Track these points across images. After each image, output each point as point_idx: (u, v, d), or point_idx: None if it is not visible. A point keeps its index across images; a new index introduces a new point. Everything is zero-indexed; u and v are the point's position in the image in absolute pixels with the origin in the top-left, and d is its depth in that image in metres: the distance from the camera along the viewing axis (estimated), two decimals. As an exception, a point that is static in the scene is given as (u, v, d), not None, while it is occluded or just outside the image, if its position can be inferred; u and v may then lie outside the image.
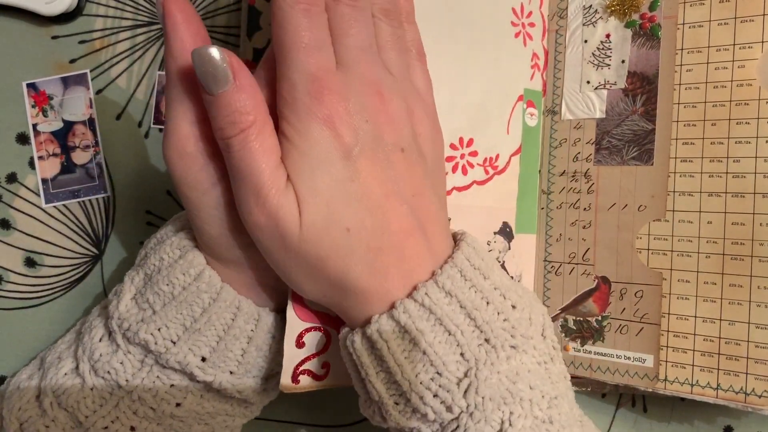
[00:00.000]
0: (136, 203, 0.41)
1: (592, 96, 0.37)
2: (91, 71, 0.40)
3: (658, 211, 0.35)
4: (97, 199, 0.41)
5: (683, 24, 0.35)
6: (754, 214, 0.33)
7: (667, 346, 0.35)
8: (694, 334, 0.34)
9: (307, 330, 0.30)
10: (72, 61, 0.40)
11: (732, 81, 0.34)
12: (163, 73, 0.40)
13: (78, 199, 0.41)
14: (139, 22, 0.40)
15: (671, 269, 0.35)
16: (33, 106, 0.41)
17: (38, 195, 0.41)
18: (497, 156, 0.36)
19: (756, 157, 0.33)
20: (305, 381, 0.30)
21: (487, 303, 0.27)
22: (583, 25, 0.38)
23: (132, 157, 0.41)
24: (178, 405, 0.31)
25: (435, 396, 0.25)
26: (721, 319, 0.34)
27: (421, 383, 0.25)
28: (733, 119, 0.34)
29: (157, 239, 0.32)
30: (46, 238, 0.41)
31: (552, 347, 0.29)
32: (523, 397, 0.26)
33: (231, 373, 0.31)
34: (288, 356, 0.30)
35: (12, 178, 0.41)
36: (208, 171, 0.27)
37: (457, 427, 0.25)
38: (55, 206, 0.41)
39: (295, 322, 0.30)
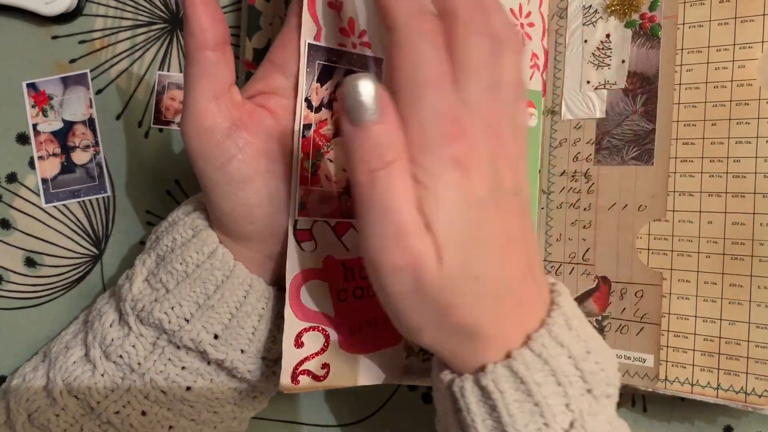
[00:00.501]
0: (136, 203, 0.41)
1: (592, 96, 0.37)
2: (91, 71, 0.40)
3: (659, 211, 0.35)
4: (97, 199, 0.41)
5: (683, 24, 0.35)
6: (754, 214, 0.33)
7: (667, 346, 0.35)
8: (695, 334, 0.34)
9: (306, 330, 0.30)
10: (72, 61, 0.40)
11: (732, 81, 0.34)
12: (164, 72, 0.40)
13: (78, 199, 0.41)
14: (139, 22, 0.40)
15: (671, 269, 0.35)
16: (33, 106, 0.41)
17: (38, 195, 0.41)
18: None
19: (756, 157, 0.33)
20: (305, 381, 0.30)
21: (588, 352, 0.27)
22: (583, 25, 0.38)
23: (132, 157, 0.41)
24: (188, 389, 0.31)
25: None
26: (721, 319, 0.34)
27: None
28: (733, 119, 0.34)
29: (168, 222, 0.32)
30: (46, 238, 0.41)
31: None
32: None
33: (242, 351, 0.31)
34: (287, 356, 0.30)
35: (12, 178, 0.41)
36: (224, 147, 0.28)
37: None
38: (55, 206, 0.41)
39: (294, 322, 0.30)
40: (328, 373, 0.31)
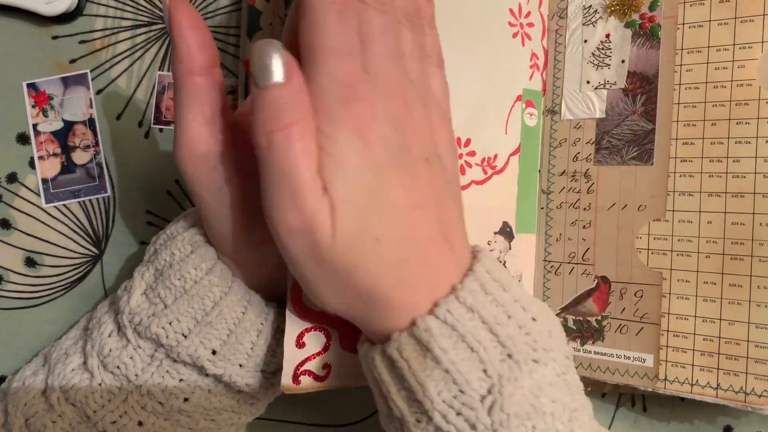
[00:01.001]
0: (136, 203, 0.41)
1: (591, 96, 0.37)
2: (91, 71, 0.40)
3: (658, 211, 0.35)
4: (97, 199, 0.41)
5: (683, 24, 0.35)
6: (753, 214, 0.33)
7: (666, 346, 0.35)
8: (694, 334, 0.34)
9: (307, 330, 0.30)
10: (72, 61, 0.40)
11: (732, 81, 0.34)
12: (164, 72, 0.40)
13: (78, 199, 0.41)
14: (139, 22, 0.40)
15: (671, 269, 0.35)
16: (33, 106, 0.41)
17: (38, 195, 0.41)
18: (495, 156, 0.36)
19: (756, 157, 0.33)
20: (306, 382, 0.30)
21: (509, 317, 0.26)
22: (583, 25, 0.38)
23: (132, 157, 0.41)
24: (186, 400, 0.31)
25: (458, 414, 0.25)
26: (720, 319, 0.34)
27: (443, 401, 0.25)
28: (733, 119, 0.34)
29: (167, 235, 0.32)
30: (47, 238, 0.41)
31: (565, 357, 0.28)
32: (546, 411, 0.25)
33: (240, 366, 0.31)
34: (288, 357, 0.30)
35: (12, 178, 0.41)
36: (219, 171, 0.28)
37: None
38: (55, 206, 0.41)
39: (295, 322, 0.30)
40: (329, 373, 0.31)
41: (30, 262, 0.41)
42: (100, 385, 0.31)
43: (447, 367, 0.25)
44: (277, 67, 0.24)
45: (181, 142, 0.28)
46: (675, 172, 0.35)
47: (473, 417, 0.25)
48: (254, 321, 0.31)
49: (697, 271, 0.34)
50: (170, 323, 0.30)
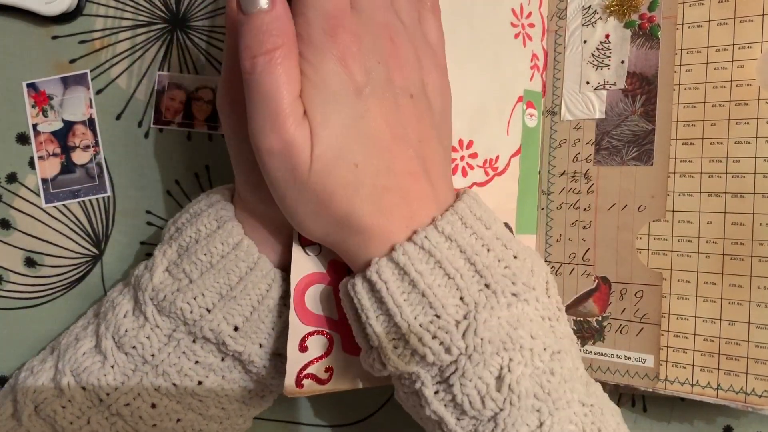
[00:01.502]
0: (136, 203, 0.41)
1: (591, 96, 0.37)
2: (91, 71, 0.40)
3: (658, 212, 0.35)
4: (97, 199, 0.41)
5: (682, 24, 0.35)
6: (753, 214, 0.33)
7: (667, 346, 0.35)
8: (694, 334, 0.34)
9: (310, 334, 0.31)
10: (72, 61, 0.40)
11: (731, 81, 0.34)
12: (164, 72, 0.40)
13: (78, 199, 0.41)
14: (139, 22, 0.40)
15: (671, 269, 0.35)
16: (33, 106, 0.41)
17: (38, 195, 0.41)
18: (497, 157, 0.36)
19: (755, 157, 0.33)
20: (309, 385, 0.30)
21: (488, 250, 0.27)
22: (583, 25, 0.38)
23: (132, 157, 0.41)
24: (200, 383, 0.31)
25: (434, 337, 0.26)
26: (721, 319, 0.34)
27: (420, 325, 0.26)
28: (732, 119, 0.34)
29: (191, 213, 0.32)
30: (46, 238, 0.41)
31: (557, 307, 0.29)
32: (524, 345, 0.26)
33: (260, 345, 0.31)
34: (291, 360, 0.30)
35: (12, 178, 0.41)
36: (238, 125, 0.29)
37: (456, 370, 0.26)
38: (55, 206, 0.41)
39: (298, 326, 0.30)
40: (331, 376, 0.31)
41: (30, 262, 0.41)
42: (113, 367, 0.31)
43: (423, 290, 0.26)
44: None
45: (223, 89, 0.29)
46: (675, 173, 0.35)
47: (447, 340, 0.25)
48: (277, 301, 0.31)
49: (697, 272, 0.34)
50: (195, 298, 0.30)
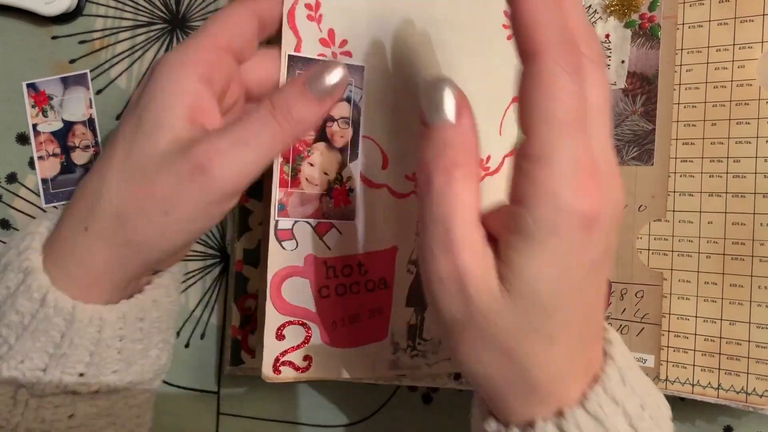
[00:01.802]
0: (136, 203, 0.41)
1: (592, 96, 0.37)
2: (91, 71, 0.40)
3: (659, 212, 0.35)
4: (97, 199, 0.41)
5: (683, 24, 0.35)
6: (754, 214, 0.33)
7: (668, 347, 0.35)
8: (695, 334, 0.34)
9: (288, 323, 0.31)
10: (72, 62, 0.40)
11: (732, 81, 0.34)
12: (163, 73, 0.40)
13: (78, 200, 0.41)
14: (139, 23, 0.40)
15: (672, 269, 0.35)
16: (33, 106, 0.41)
17: (38, 195, 0.41)
18: (488, 157, 0.36)
19: (756, 157, 0.33)
20: (287, 372, 0.31)
21: (642, 408, 0.25)
22: (583, 25, 0.38)
23: (132, 158, 0.41)
24: (71, 416, 0.29)
25: None
26: (721, 319, 0.34)
27: None
28: (733, 119, 0.34)
29: (2, 264, 0.29)
30: (46, 239, 0.40)
31: None
32: None
33: (114, 372, 0.29)
34: (268, 347, 0.31)
35: (12, 178, 0.41)
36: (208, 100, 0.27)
37: None
38: (55, 206, 0.41)
39: (275, 315, 0.31)
40: (310, 365, 0.32)
41: (29, 263, 0.41)
42: None
43: None
44: (449, 105, 0.23)
45: (181, 50, 0.27)
46: (675, 173, 0.35)
47: None
48: (113, 335, 0.28)
49: (698, 272, 0.34)
50: (22, 362, 0.27)
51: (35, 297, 0.27)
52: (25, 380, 0.27)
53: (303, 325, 0.32)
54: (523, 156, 0.22)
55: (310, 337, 0.32)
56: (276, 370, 0.31)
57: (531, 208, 0.21)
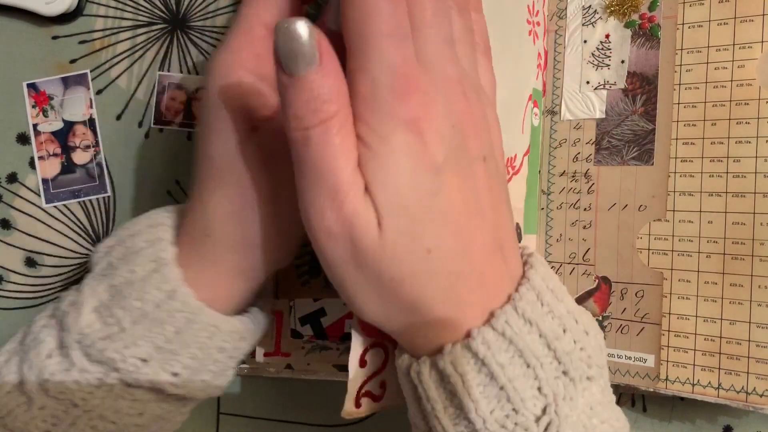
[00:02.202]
0: (136, 203, 0.41)
1: (591, 96, 0.37)
2: (91, 71, 0.40)
3: (659, 211, 0.35)
4: (97, 199, 0.41)
5: (683, 24, 0.35)
6: (754, 213, 0.33)
7: (668, 346, 0.35)
8: (695, 334, 0.34)
9: (370, 346, 0.28)
10: (72, 61, 0.40)
11: (732, 81, 0.34)
12: (164, 72, 0.40)
13: (78, 199, 0.41)
14: (139, 22, 0.40)
15: (672, 269, 0.35)
16: (33, 106, 0.41)
17: (38, 195, 0.41)
18: (515, 156, 0.35)
19: (756, 156, 0.33)
20: (366, 404, 0.28)
21: (564, 330, 0.24)
22: (583, 25, 0.38)
23: (132, 157, 0.41)
24: (140, 414, 0.29)
25: None
26: (721, 319, 0.34)
27: (496, 421, 0.23)
28: (733, 119, 0.34)
29: (126, 248, 0.28)
30: (47, 238, 0.41)
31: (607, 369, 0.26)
32: None
33: (203, 380, 0.29)
34: (352, 378, 0.27)
35: (12, 178, 0.41)
36: (261, 101, 0.26)
37: None
38: (55, 206, 0.41)
39: (359, 338, 0.27)
40: (384, 392, 0.28)
41: (30, 263, 0.41)
42: (41, 409, 0.27)
43: (503, 383, 0.23)
44: (311, 49, 0.21)
45: (230, 46, 0.26)
46: (675, 172, 0.35)
47: None
48: (221, 346, 0.28)
49: (698, 271, 0.34)
50: (127, 347, 0.27)
51: (165, 288, 0.27)
52: (123, 366, 0.27)
53: (382, 346, 0.28)
54: (348, 74, 0.22)
55: (388, 359, 0.28)
56: (357, 403, 0.27)
57: (361, 123, 0.22)
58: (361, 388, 0.27)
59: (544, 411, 0.23)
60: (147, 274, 0.27)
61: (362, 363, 0.27)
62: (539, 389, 0.23)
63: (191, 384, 0.28)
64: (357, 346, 0.27)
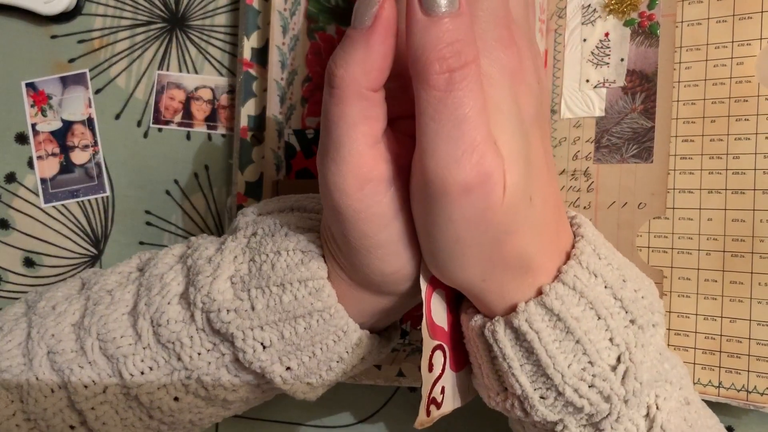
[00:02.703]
0: (135, 203, 0.41)
1: (591, 94, 0.37)
2: (90, 71, 0.40)
3: (658, 209, 0.35)
4: (96, 198, 0.41)
5: (682, 22, 0.35)
6: (754, 210, 0.33)
7: (668, 345, 0.34)
8: (695, 332, 0.34)
9: (435, 349, 0.26)
10: (71, 61, 0.40)
11: (731, 78, 0.34)
12: (163, 72, 0.40)
13: (77, 199, 0.41)
14: (138, 22, 0.40)
15: (672, 267, 0.35)
16: (32, 106, 0.41)
17: (37, 195, 0.41)
18: None
19: (755, 153, 0.33)
20: (433, 411, 0.26)
21: (624, 280, 0.24)
22: (582, 24, 0.38)
23: (131, 157, 0.41)
24: (234, 390, 0.28)
25: (591, 386, 0.23)
26: (722, 317, 0.34)
27: (574, 375, 0.23)
28: (732, 116, 0.34)
29: (275, 224, 0.27)
30: (45, 238, 0.40)
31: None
32: (666, 379, 0.24)
33: (308, 384, 0.28)
34: (425, 383, 0.25)
35: (11, 177, 0.41)
36: (392, 196, 0.23)
37: (609, 414, 0.24)
38: (54, 206, 0.41)
39: (428, 342, 0.25)
40: (443, 397, 0.27)
41: (29, 263, 0.40)
42: (144, 349, 0.27)
43: (579, 336, 0.23)
44: None
45: (347, 169, 0.22)
46: (675, 170, 0.35)
47: (607, 389, 0.23)
48: (341, 354, 0.27)
49: (698, 269, 0.34)
50: (252, 329, 0.26)
51: (310, 285, 0.26)
52: (241, 345, 0.26)
53: (442, 349, 0.26)
54: None
55: (446, 361, 0.26)
56: (428, 411, 0.25)
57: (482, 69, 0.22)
58: (430, 393, 0.26)
59: (618, 360, 0.23)
60: (293, 264, 0.26)
61: (430, 367, 0.26)
62: (611, 339, 0.24)
63: (296, 384, 0.28)
64: (427, 349, 0.25)
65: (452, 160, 0.20)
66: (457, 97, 0.20)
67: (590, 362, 0.23)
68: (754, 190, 0.33)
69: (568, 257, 0.24)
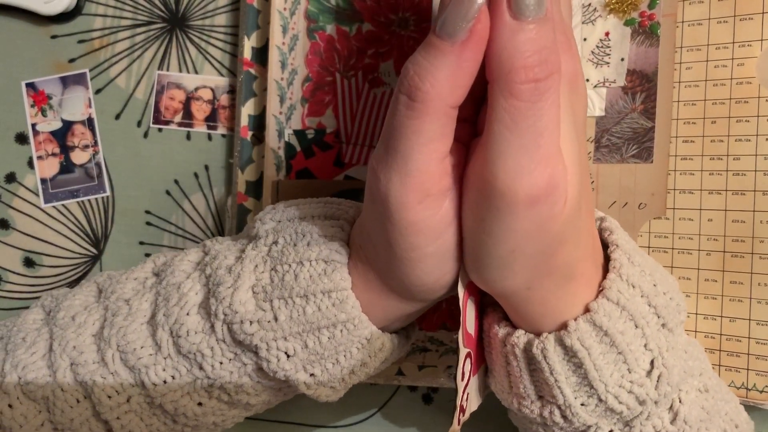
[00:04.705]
0: (135, 203, 0.41)
1: (591, 94, 0.37)
2: (90, 71, 0.40)
3: (659, 209, 0.35)
4: (96, 198, 0.41)
5: (682, 22, 0.35)
6: (754, 211, 0.33)
7: (667, 344, 0.35)
8: (695, 331, 0.34)
9: (466, 356, 0.26)
10: (71, 61, 0.40)
11: (731, 79, 0.34)
12: (163, 72, 0.40)
13: (77, 199, 0.41)
14: (138, 22, 0.40)
15: (672, 267, 0.35)
16: (32, 106, 0.40)
17: (37, 195, 0.41)
18: None
19: (756, 154, 0.33)
20: (462, 418, 0.26)
21: (654, 285, 0.25)
22: (583, 23, 0.38)
23: (131, 157, 0.40)
24: (256, 395, 0.28)
25: (629, 392, 0.24)
26: (722, 316, 0.34)
27: (615, 383, 0.24)
28: (732, 117, 0.34)
29: (296, 233, 0.27)
30: (45, 238, 0.40)
31: None
32: (692, 373, 0.25)
33: (332, 388, 0.28)
34: (459, 393, 0.25)
35: (11, 177, 0.41)
36: (447, 208, 0.22)
37: (640, 414, 0.25)
38: (54, 206, 0.41)
39: (463, 350, 0.25)
40: (467, 402, 0.27)
41: (29, 263, 0.40)
42: (165, 359, 0.27)
43: (623, 349, 0.24)
44: None
45: (412, 182, 0.21)
46: (675, 170, 0.35)
47: (643, 394, 0.24)
48: (364, 360, 0.27)
49: (698, 269, 0.34)
50: (275, 340, 0.26)
51: (334, 297, 0.25)
52: (265, 355, 0.26)
53: (470, 356, 0.26)
54: None
55: (472, 368, 0.27)
56: (459, 420, 0.25)
57: None
58: (461, 402, 0.25)
59: (651, 364, 0.24)
60: (316, 274, 0.25)
61: (462, 375, 0.25)
62: (645, 345, 0.24)
63: (320, 389, 0.28)
64: (461, 357, 0.25)
65: (526, 172, 0.20)
66: (540, 108, 0.19)
67: (629, 370, 0.24)
68: (755, 191, 0.33)
69: (602, 260, 0.25)
